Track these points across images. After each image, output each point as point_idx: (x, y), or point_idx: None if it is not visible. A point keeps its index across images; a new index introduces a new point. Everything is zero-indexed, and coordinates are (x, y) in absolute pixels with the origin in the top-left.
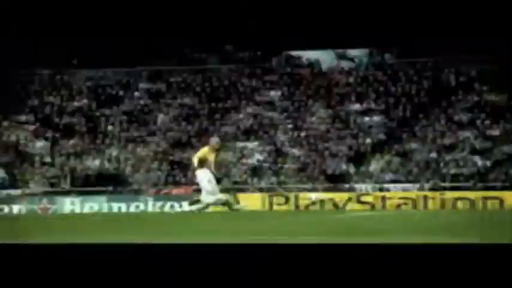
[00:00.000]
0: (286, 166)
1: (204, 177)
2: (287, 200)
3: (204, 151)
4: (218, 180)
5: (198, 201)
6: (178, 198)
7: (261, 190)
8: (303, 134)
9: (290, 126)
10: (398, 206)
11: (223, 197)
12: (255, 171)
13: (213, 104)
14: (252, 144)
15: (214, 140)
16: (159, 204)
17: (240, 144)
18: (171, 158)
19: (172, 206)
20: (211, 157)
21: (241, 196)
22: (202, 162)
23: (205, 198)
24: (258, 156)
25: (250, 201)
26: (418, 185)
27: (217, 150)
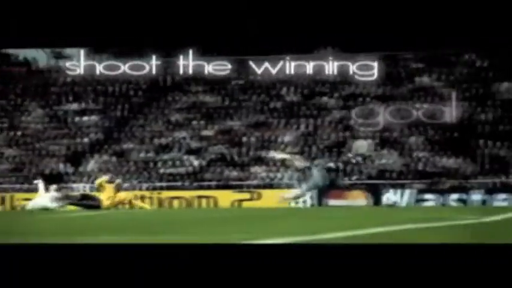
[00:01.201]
0: (1, 166)
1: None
2: (3, 200)
3: (107, 185)
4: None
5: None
6: None
7: None
8: (18, 133)
9: (5, 125)
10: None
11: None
12: None
13: None
14: None
15: (117, 181)
16: None
17: None
18: None
19: None
20: (109, 191)
21: None
22: (98, 189)
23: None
24: None
25: None
26: (135, 185)
27: (117, 187)
